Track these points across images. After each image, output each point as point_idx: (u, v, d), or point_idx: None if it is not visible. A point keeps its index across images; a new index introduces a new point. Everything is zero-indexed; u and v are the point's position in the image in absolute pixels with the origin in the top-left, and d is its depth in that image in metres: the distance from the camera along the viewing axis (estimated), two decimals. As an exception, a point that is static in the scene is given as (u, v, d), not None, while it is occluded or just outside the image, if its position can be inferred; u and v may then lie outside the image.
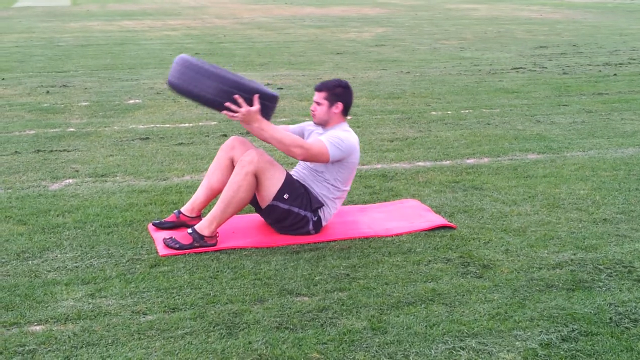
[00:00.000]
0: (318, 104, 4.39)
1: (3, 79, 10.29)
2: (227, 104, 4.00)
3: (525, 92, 9.29)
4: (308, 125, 4.58)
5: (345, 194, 4.50)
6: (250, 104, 4.04)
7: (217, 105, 4.03)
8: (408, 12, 24.19)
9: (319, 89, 4.41)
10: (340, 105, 4.38)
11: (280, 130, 4.18)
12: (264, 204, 4.26)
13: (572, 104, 8.57)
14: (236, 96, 3.99)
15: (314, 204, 4.32)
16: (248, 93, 4.04)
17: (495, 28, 18.36)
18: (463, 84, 9.98)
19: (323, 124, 4.41)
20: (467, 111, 8.15)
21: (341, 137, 4.28)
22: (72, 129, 7.16)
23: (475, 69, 11.36)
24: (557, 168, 5.82)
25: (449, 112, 8.11)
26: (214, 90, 3.97)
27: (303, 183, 4.37)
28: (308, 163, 4.39)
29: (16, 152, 6.26)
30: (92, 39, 15.79)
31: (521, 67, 11.51)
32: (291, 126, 4.62)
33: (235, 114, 4.03)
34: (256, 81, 4.31)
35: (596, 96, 9.07)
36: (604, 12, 24.11)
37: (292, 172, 4.49)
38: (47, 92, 9.20)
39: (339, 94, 4.39)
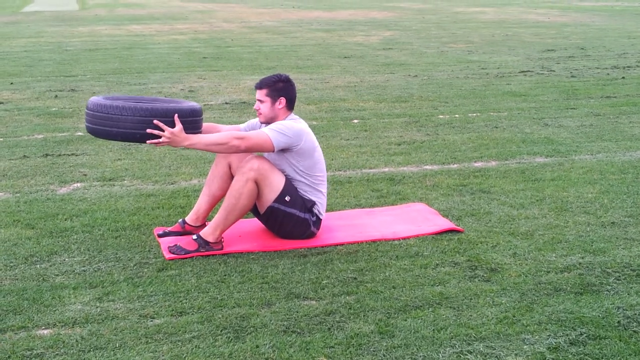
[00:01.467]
0: (261, 101, 4.31)
1: (12, 83, 10.33)
2: (149, 130, 3.92)
3: (533, 96, 9.28)
4: (258, 123, 4.49)
5: (323, 179, 4.39)
6: (172, 126, 3.98)
7: (139, 137, 3.96)
8: (415, 16, 24.19)
9: (259, 86, 4.33)
10: (283, 100, 4.30)
11: (211, 135, 4.11)
12: (263, 208, 4.25)
13: (580, 107, 8.55)
14: (155, 121, 3.92)
15: (308, 204, 4.31)
16: (166, 116, 3.96)
17: (503, 31, 18.34)
18: (470, 87, 9.97)
19: (270, 121, 4.32)
20: (474, 114, 8.14)
21: (285, 124, 4.21)
22: (80, 133, 7.18)
23: (482, 72, 11.34)
24: (565, 171, 5.80)
25: (457, 115, 8.10)
26: (130, 125, 3.91)
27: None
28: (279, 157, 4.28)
29: (25, 156, 6.28)
30: (100, 43, 15.83)
31: (529, 71, 11.49)
32: (241, 125, 4.60)
33: (161, 140, 3.97)
34: (174, 99, 4.22)
35: (604, 99, 9.05)
36: (612, 15, 24.05)
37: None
38: (56, 96, 9.24)
39: (280, 88, 4.31)
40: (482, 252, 4.15)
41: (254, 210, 4.36)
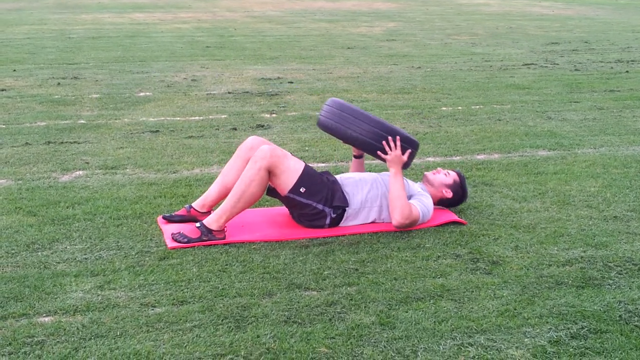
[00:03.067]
0: (447, 175, 4.66)
1: (14, 70, 10.32)
2: (384, 143, 4.33)
3: (537, 89, 9.26)
4: (417, 190, 4.60)
5: (382, 214, 4.50)
6: (403, 151, 4.36)
7: (368, 146, 4.37)
8: (419, 7, 24.13)
9: (459, 174, 4.68)
10: (450, 194, 4.62)
11: (404, 192, 4.34)
12: (283, 193, 4.29)
13: (583, 100, 8.53)
14: (396, 138, 4.33)
15: (337, 202, 4.31)
16: (404, 142, 4.38)
17: (507, 24, 18.30)
18: (474, 79, 9.95)
19: (429, 183, 4.63)
20: (477, 107, 8.12)
21: (428, 206, 4.44)
22: (82, 121, 7.17)
23: (486, 65, 11.32)
24: (567, 165, 5.79)
25: (460, 107, 8.09)
26: (370, 134, 4.32)
27: (340, 182, 4.42)
28: (384, 181, 4.48)
29: (27, 143, 6.28)
30: (103, 31, 15.81)
31: (532, 64, 11.46)
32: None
33: (390, 153, 4.32)
34: (400, 129, 4.52)
35: (608, 93, 9.03)
36: (616, 9, 23.99)
37: (351, 174, 4.59)
38: (58, 84, 9.22)
39: (459, 193, 4.64)
40: (484, 245, 4.15)
41: (275, 194, 4.37)
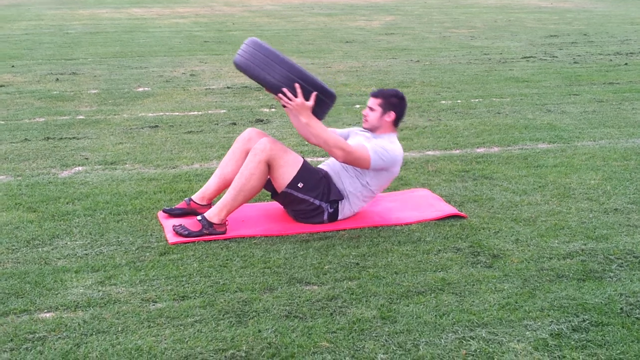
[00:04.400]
0: (371, 109, 4.41)
1: (13, 66, 10.30)
2: (285, 90, 4.08)
3: (536, 82, 9.25)
4: (356, 130, 4.57)
5: (374, 198, 4.50)
6: (308, 97, 4.12)
7: (276, 88, 4.11)
8: (417, 1, 24.10)
9: (375, 95, 4.44)
10: (392, 114, 4.39)
11: (326, 130, 4.20)
12: (279, 189, 4.27)
13: (582, 93, 8.52)
14: (297, 85, 4.09)
15: (333, 196, 4.31)
16: (310, 86, 4.14)
17: (506, 17, 18.28)
18: (473, 72, 9.94)
19: (373, 129, 4.43)
20: (477, 100, 8.11)
21: (387, 148, 4.30)
22: (81, 117, 7.16)
23: (485, 58, 11.31)
24: (567, 158, 5.79)
25: (459, 101, 8.08)
26: (279, 76, 4.08)
27: (330, 173, 4.38)
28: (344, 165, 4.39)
29: (26, 139, 6.27)
30: (101, 26, 15.78)
31: (531, 56, 11.45)
32: (339, 130, 4.62)
33: (290, 102, 4.11)
34: (317, 77, 4.35)
35: (607, 86, 9.02)
36: (615, 1, 23.96)
37: (325, 162, 4.52)
38: (57, 79, 9.21)
39: (394, 103, 4.40)
40: (485, 238, 4.14)
41: (271, 190, 4.36)
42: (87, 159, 5.70)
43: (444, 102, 8.03)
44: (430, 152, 5.99)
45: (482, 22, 16.87)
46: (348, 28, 15.74)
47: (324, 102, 4.23)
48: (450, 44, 13.03)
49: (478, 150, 6.06)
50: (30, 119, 7.04)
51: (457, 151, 6.03)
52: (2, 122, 6.91)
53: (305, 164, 4.29)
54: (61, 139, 6.30)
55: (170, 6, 21.72)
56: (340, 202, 4.35)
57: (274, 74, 4.09)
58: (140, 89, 8.63)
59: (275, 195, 4.38)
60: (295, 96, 4.10)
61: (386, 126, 4.42)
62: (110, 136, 6.42)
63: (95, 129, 6.66)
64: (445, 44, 13.04)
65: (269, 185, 4.34)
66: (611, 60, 11.15)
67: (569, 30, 15.32)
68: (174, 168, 5.50)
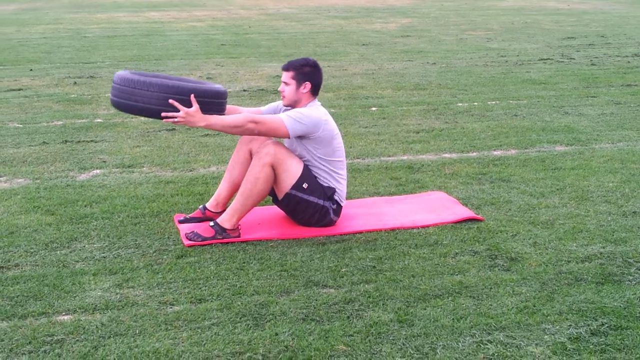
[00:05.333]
0: (286, 84, 4.29)
1: (31, 69, 10.37)
2: (164, 114, 3.95)
3: (553, 84, 9.20)
4: (280, 105, 4.49)
5: (342, 165, 4.38)
6: (189, 105, 3.98)
7: (155, 113, 3.97)
8: (434, 3, 24.06)
9: (286, 68, 4.31)
10: (308, 84, 4.28)
11: (228, 117, 4.10)
12: (281, 194, 4.25)
13: (600, 95, 8.47)
14: (170, 100, 3.93)
15: (327, 191, 4.30)
16: (186, 95, 3.97)
17: (522, 19, 18.21)
18: (489, 75, 9.91)
19: (292, 104, 4.32)
20: (493, 102, 8.08)
21: (303, 112, 4.19)
22: (99, 120, 7.20)
23: (502, 60, 11.27)
24: (585, 160, 5.75)
25: (476, 103, 8.05)
26: (152, 99, 3.93)
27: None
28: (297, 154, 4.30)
29: (44, 142, 6.31)
30: (119, 30, 15.86)
31: (549, 58, 11.40)
32: (263, 107, 4.57)
33: (176, 119, 3.97)
34: (199, 81, 4.22)
35: (625, 87, 8.96)
36: (633, 3, 23.81)
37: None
38: (75, 83, 9.26)
39: (307, 72, 4.28)
40: (502, 241, 4.13)
41: (273, 197, 4.36)
42: (104, 162, 5.73)
43: (460, 104, 8.00)
44: (447, 155, 5.97)
45: (499, 24, 16.81)
46: (364, 30, 15.74)
47: (210, 103, 4.08)
48: (467, 46, 12.99)
49: (495, 152, 6.04)
50: (49, 122, 7.08)
51: (474, 154, 6.01)
52: (21, 126, 6.96)
53: (306, 166, 4.26)
54: (79, 142, 6.34)
55: (187, 9, 21.81)
56: (334, 194, 4.33)
57: (145, 100, 3.93)
58: (157, 92, 8.65)
59: (276, 200, 4.36)
60: (179, 111, 3.95)
61: (305, 98, 4.30)
62: (127, 139, 6.45)
63: (112, 132, 6.69)
64: (462, 46, 13.00)
65: (271, 191, 4.31)
66: (629, 62, 11.07)
67: (586, 31, 15.23)
68: (190, 171, 5.52)
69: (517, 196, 4.90)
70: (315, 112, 4.23)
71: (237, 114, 4.28)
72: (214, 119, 4.04)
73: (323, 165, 4.29)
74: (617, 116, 7.36)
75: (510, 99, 8.28)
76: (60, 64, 10.91)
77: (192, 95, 3.98)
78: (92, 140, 6.39)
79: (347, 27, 16.40)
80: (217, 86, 4.20)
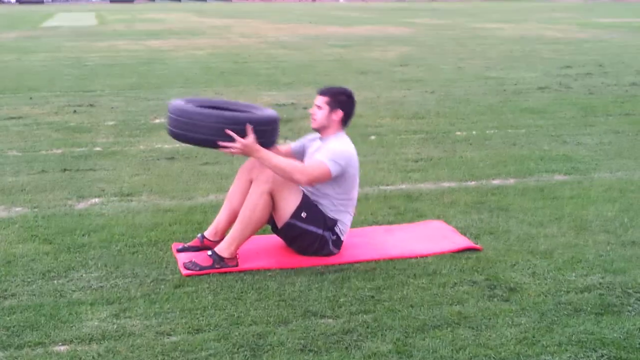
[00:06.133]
0: (319, 107, 4.33)
1: (31, 98, 10.40)
2: (221, 143, 3.99)
3: (551, 112, 9.23)
4: (309, 138, 4.53)
5: (353, 201, 4.42)
6: (245, 135, 4.02)
7: (212, 143, 4.01)
8: (432, 32, 24.21)
9: (322, 92, 4.36)
10: (340, 113, 4.32)
11: (281, 159, 4.13)
12: (280, 223, 4.24)
13: (598, 124, 8.50)
14: (227, 131, 3.97)
15: (329, 222, 4.29)
16: (241, 125, 4.00)
17: (521, 47, 18.31)
18: (488, 103, 9.94)
19: (321, 128, 4.35)
20: (492, 131, 8.10)
21: (337, 151, 4.22)
22: (98, 148, 7.21)
23: (500, 89, 11.31)
24: (584, 189, 5.75)
25: (474, 132, 8.07)
26: (208, 130, 3.97)
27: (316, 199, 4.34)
28: None
29: (43, 170, 6.31)
30: (119, 58, 15.94)
31: (547, 87, 11.44)
32: (293, 143, 4.60)
33: (232, 150, 4.02)
34: (254, 105, 4.29)
35: (623, 117, 8.99)
36: (631, 31, 23.97)
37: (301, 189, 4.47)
38: (74, 111, 9.29)
39: (342, 101, 4.33)
40: (501, 271, 4.11)
41: (272, 226, 4.35)
42: (103, 190, 5.72)
43: (459, 133, 8.02)
44: (445, 184, 5.97)
45: (498, 53, 16.90)
46: (363, 59, 15.82)
47: (266, 130, 4.12)
48: (465, 75, 13.05)
49: (494, 181, 6.04)
50: (48, 151, 7.09)
51: (473, 183, 6.01)
52: (20, 154, 6.96)
53: (305, 195, 4.27)
54: (78, 170, 6.34)
55: (187, 38, 21.92)
56: (336, 226, 4.33)
57: (202, 131, 3.97)
58: (157, 121, 8.69)
59: (276, 229, 4.35)
60: (234, 141, 4.00)
61: (334, 125, 4.34)
62: (126, 168, 6.46)
63: (111, 161, 6.70)
64: (460, 75, 13.06)
65: (270, 219, 4.30)
66: (627, 90, 11.12)
67: (584, 60, 15.31)
68: (189, 199, 5.52)
69: (516, 225, 4.89)
70: (347, 150, 4.28)
71: (279, 155, 4.24)
72: (267, 155, 4.09)
73: (336, 200, 4.31)
74: (616, 145, 7.38)
75: (509, 127, 8.31)
76: (60, 92, 10.95)
77: (249, 126, 4.01)
78: (91, 169, 6.39)
79: (346, 56, 16.48)
80: (271, 112, 4.24)
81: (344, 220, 4.37)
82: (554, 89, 11.31)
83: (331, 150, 4.23)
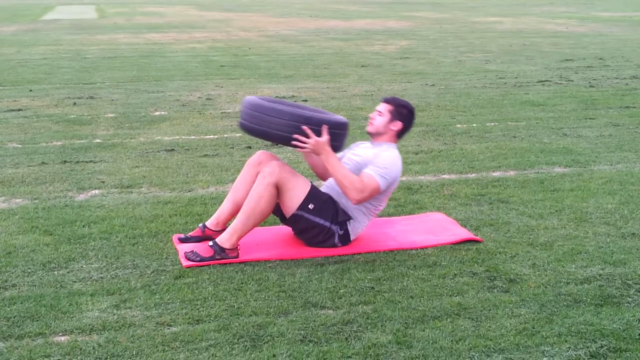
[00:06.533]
0: (380, 113, 4.39)
1: (31, 90, 10.40)
2: (296, 136, 4.08)
3: (552, 105, 9.23)
4: (356, 146, 4.56)
5: (380, 209, 4.47)
6: (319, 134, 4.11)
7: (285, 139, 4.14)
8: (433, 25, 24.17)
9: (387, 100, 4.44)
10: (399, 124, 4.39)
11: (345, 169, 4.20)
12: (288, 213, 4.25)
13: (598, 117, 8.49)
14: (304, 127, 4.09)
15: (341, 217, 4.30)
16: (314, 125, 4.13)
17: (521, 41, 18.29)
18: (488, 96, 9.94)
19: (375, 134, 4.41)
20: (492, 124, 8.10)
21: (387, 165, 4.28)
22: (98, 141, 7.21)
23: (500, 82, 11.30)
24: (584, 182, 5.76)
25: (474, 124, 8.07)
26: (283, 127, 4.09)
27: (332, 196, 4.35)
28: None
29: (43, 163, 6.31)
30: (119, 51, 15.92)
31: (547, 80, 11.44)
32: (339, 153, 4.62)
33: (305, 145, 4.10)
34: (323, 110, 4.38)
35: (623, 109, 8.99)
36: (631, 25, 23.94)
37: (324, 184, 4.49)
38: (74, 103, 9.28)
39: (403, 114, 4.40)
40: (501, 263, 4.12)
41: (280, 215, 4.35)
42: (103, 182, 5.73)
43: (459, 125, 8.02)
44: (445, 176, 5.97)
45: (497, 47, 16.88)
46: (364, 52, 15.80)
47: (337, 134, 4.22)
48: (466, 68, 13.04)
49: (494, 174, 6.04)
50: (48, 143, 7.09)
51: (473, 175, 6.01)
52: (20, 146, 6.96)
53: (313, 186, 4.28)
54: (78, 162, 6.34)
55: (187, 31, 21.90)
56: (348, 222, 4.33)
57: (279, 128, 4.09)
58: (157, 113, 8.69)
59: (284, 219, 4.36)
60: (309, 137, 4.10)
61: (390, 135, 4.40)
62: (126, 160, 6.46)
63: (111, 153, 6.69)
64: (461, 68, 13.05)
65: (277, 210, 4.32)
66: (627, 84, 11.11)
67: (584, 54, 15.30)
68: (189, 191, 5.52)
69: (516, 217, 4.90)
70: (397, 168, 4.34)
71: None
72: (334, 158, 4.18)
73: (368, 203, 4.35)
74: (616, 138, 7.38)
75: (509, 120, 8.30)
76: (60, 85, 10.94)
77: (325, 126, 4.12)
78: (91, 161, 6.39)
79: (347, 49, 16.46)
80: (342, 118, 4.34)
81: (360, 221, 4.38)
82: (554, 82, 11.30)
83: (383, 164, 4.27)
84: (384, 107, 4.40)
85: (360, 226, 4.40)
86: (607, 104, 9.33)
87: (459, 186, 5.63)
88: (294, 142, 4.11)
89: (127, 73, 12.29)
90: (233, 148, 6.91)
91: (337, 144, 4.24)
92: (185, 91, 10.37)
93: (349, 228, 4.34)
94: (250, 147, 6.90)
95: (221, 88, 10.72)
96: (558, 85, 10.94)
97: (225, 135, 7.48)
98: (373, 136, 4.44)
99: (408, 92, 10.36)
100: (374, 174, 4.23)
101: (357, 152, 4.47)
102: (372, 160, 4.31)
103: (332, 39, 18.99)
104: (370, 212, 4.41)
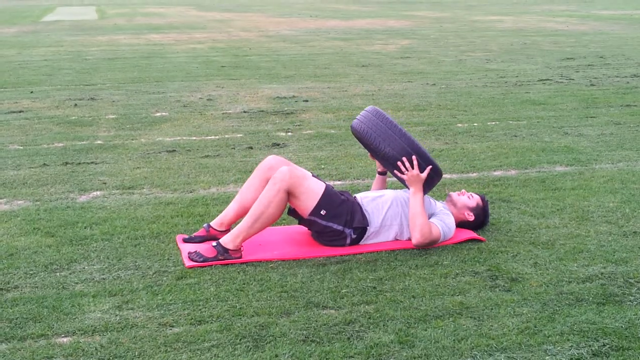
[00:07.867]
0: (470, 197, 4.61)
1: (32, 92, 10.40)
2: (404, 159, 4.30)
3: (552, 104, 9.22)
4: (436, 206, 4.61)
5: (409, 234, 4.47)
6: (422, 170, 4.32)
7: (392, 159, 4.34)
8: (433, 25, 24.17)
9: (483, 198, 4.65)
10: (472, 217, 4.56)
11: (425, 211, 4.31)
12: (304, 215, 4.29)
13: (600, 115, 8.49)
14: (414, 158, 4.30)
15: (357, 223, 4.31)
16: (424, 162, 4.34)
17: (521, 40, 18.28)
18: (489, 95, 9.93)
19: (451, 204, 4.58)
20: (493, 123, 8.10)
21: (450, 227, 4.41)
22: (99, 142, 7.21)
23: (501, 81, 11.30)
24: (585, 180, 5.75)
25: (475, 124, 8.07)
26: (399, 149, 4.31)
27: (362, 205, 4.40)
28: (405, 199, 4.45)
29: (44, 164, 6.32)
30: (119, 52, 15.92)
31: (548, 79, 11.43)
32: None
33: (406, 173, 4.29)
34: (429, 153, 4.54)
35: (624, 108, 8.98)
36: (631, 24, 23.92)
37: (392, 192, 4.56)
38: (75, 105, 9.29)
39: (479, 217, 4.59)
40: (503, 262, 4.12)
41: (296, 215, 4.37)
42: (105, 183, 5.73)
43: (460, 125, 8.02)
44: (447, 176, 5.97)
45: (498, 46, 16.88)
46: (364, 52, 15.80)
47: (432, 178, 4.41)
48: (466, 68, 13.03)
49: (495, 173, 6.04)
50: (49, 144, 7.09)
51: (474, 174, 6.01)
52: (21, 148, 6.97)
53: (327, 189, 4.29)
54: (79, 164, 6.34)
55: (187, 32, 21.90)
56: (366, 229, 4.34)
57: (393, 146, 4.30)
58: (158, 114, 8.69)
59: (301, 220, 4.38)
60: (413, 167, 4.30)
61: (458, 214, 4.56)
62: (128, 161, 6.46)
63: (113, 154, 6.70)
64: (461, 67, 13.05)
65: (294, 212, 4.35)
66: (628, 82, 11.10)
67: (585, 52, 15.29)
68: (191, 192, 5.52)
69: (518, 216, 4.90)
70: (451, 232, 4.44)
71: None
72: (420, 196, 4.33)
73: (400, 224, 4.45)
74: (617, 136, 7.38)
75: (510, 119, 8.30)
76: (60, 86, 10.94)
77: (430, 167, 4.33)
78: (92, 162, 6.39)
79: (347, 49, 16.46)
80: (439, 166, 4.47)
81: (380, 234, 4.41)
82: (555, 80, 11.30)
83: (448, 224, 4.42)
84: (476, 197, 4.61)
85: (376, 238, 4.42)
86: (608, 103, 9.33)
87: (460, 185, 5.63)
88: (399, 163, 4.30)
89: (128, 74, 12.29)
90: (234, 149, 6.91)
91: (427, 187, 4.42)
92: (186, 92, 10.38)
93: (364, 235, 4.36)
94: (251, 148, 6.91)
95: (222, 89, 10.72)
96: (559, 84, 10.94)
97: (226, 136, 7.48)
98: (449, 202, 4.60)
99: (409, 91, 10.36)
100: (440, 228, 4.35)
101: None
102: (436, 213, 4.47)
103: (333, 39, 18.99)
104: (391, 234, 4.44)
